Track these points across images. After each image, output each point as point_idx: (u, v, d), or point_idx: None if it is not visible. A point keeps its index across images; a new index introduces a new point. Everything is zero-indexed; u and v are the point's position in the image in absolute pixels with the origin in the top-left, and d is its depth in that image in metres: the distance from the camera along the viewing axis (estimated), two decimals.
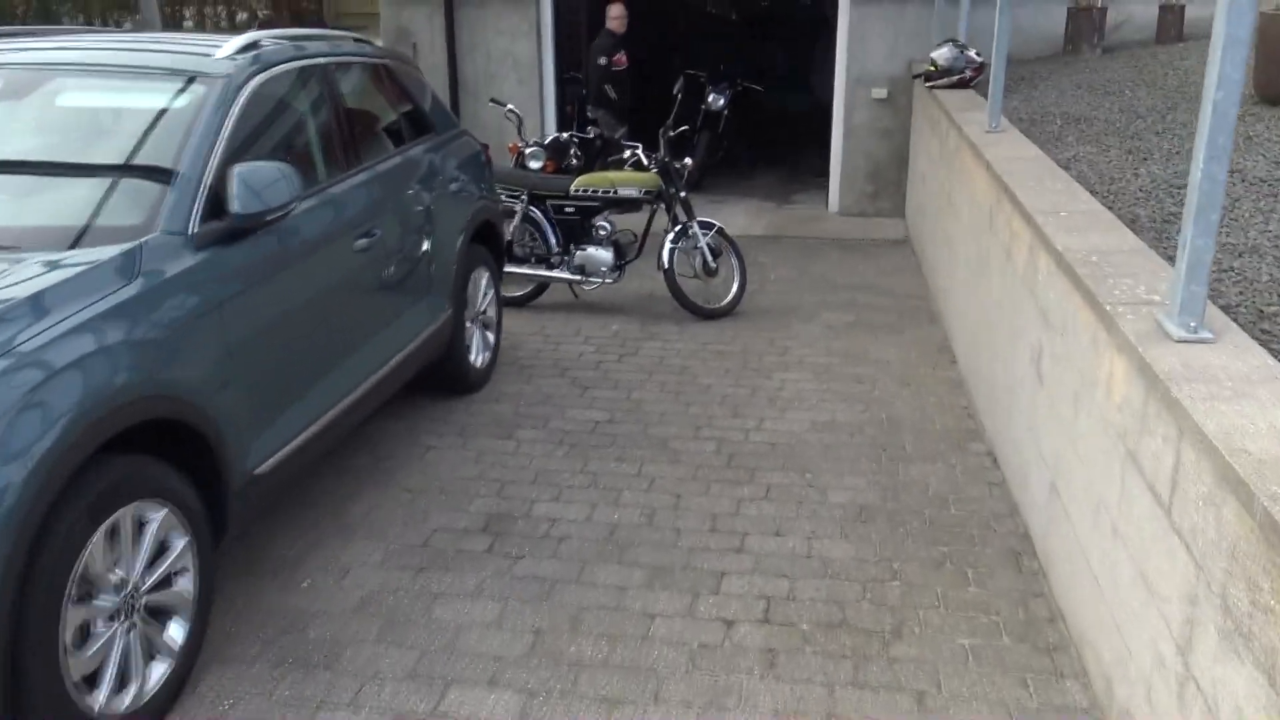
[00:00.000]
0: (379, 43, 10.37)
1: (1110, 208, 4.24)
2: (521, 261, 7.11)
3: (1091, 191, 4.58)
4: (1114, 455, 2.85)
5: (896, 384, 5.67)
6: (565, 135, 8.33)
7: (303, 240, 3.81)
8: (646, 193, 6.84)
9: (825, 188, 10.19)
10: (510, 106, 8.20)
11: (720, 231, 7.00)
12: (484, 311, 5.71)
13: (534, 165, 7.92)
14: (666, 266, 6.77)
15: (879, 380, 5.72)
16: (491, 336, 5.84)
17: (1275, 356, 2.58)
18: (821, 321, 6.81)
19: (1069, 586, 3.32)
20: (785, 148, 12.83)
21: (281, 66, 4.06)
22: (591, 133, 8.34)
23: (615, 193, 6.85)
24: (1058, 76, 8.12)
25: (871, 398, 5.46)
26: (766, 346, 6.34)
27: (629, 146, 7.18)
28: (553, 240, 7.03)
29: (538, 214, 7.03)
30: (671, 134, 6.98)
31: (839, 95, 9.75)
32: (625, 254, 7.02)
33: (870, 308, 7.06)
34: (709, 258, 6.90)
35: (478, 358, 5.60)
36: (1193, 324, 2.62)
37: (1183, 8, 8.97)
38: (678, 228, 6.88)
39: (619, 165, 7.31)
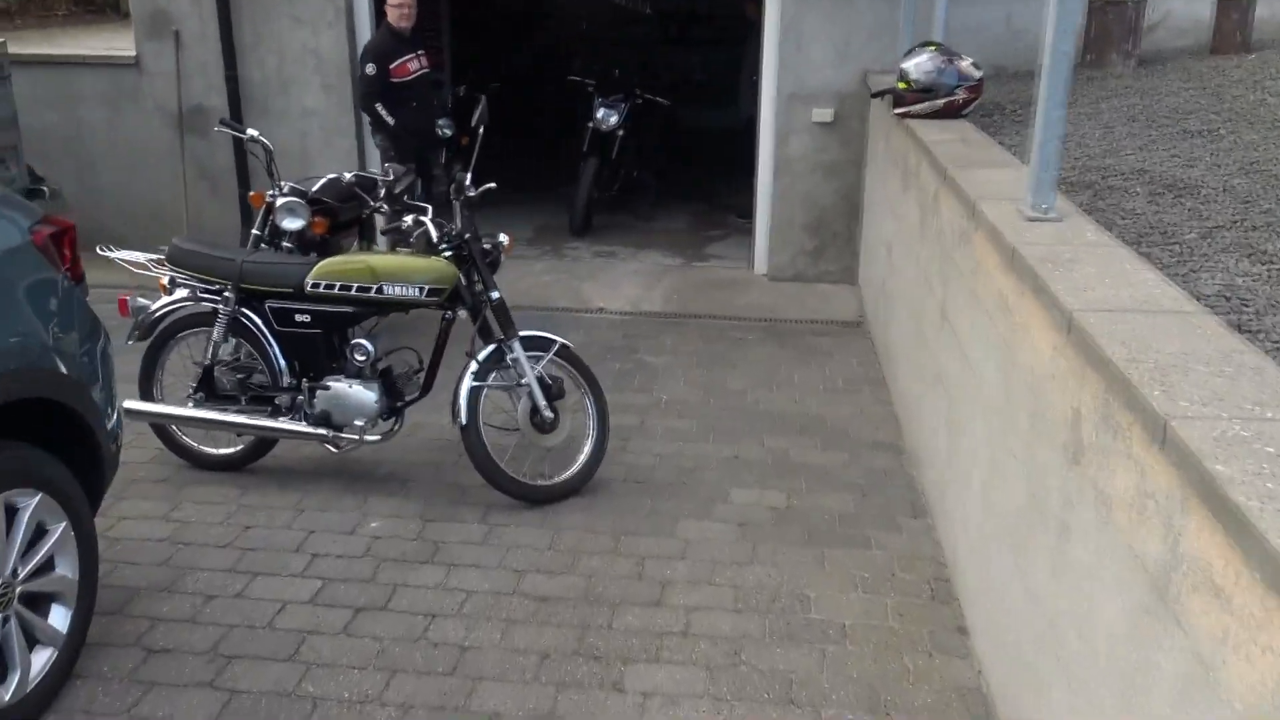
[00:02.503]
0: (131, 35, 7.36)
1: None
2: (228, 400, 4.22)
3: None
4: None
5: (867, 710, 2.90)
6: (349, 176, 5.39)
7: None
8: (432, 292, 3.98)
9: (751, 233, 7.44)
10: (253, 133, 5.27)
11: (565, 352, 4.18)
12: (26, 580, 2.79)
13: (290, 226, 5.03)
14: (465, 420, 3.92)
15: (832, 694, 2.94)
16: (62, 616, 2.91)
17: None
18: (730, 510, 4.02)
19: None
20: (704, 177, 10.04)
21: None
22: (392, 173, 5.42)
23: (379, 291, 3.97)
24: (1088, 100, 5.43)
25: None
26: (628, 581, 3.54)
27: (414, 209, 4.30)
28: (278, 365, 4.13)
29: (254, 321, 4.13)
30: (472, 194, 4.11)
31: (767, 117, 6.99)
32: (402, 392, 4.16)
33: (812, 476, 4.29)
34: (541, 402, 4.07)
35: (6, 685, 2.70)
36: None
37: (1248, 5, 6.33)
38: (488, 350, 4.04)
39: (398, 240, 4.43)
